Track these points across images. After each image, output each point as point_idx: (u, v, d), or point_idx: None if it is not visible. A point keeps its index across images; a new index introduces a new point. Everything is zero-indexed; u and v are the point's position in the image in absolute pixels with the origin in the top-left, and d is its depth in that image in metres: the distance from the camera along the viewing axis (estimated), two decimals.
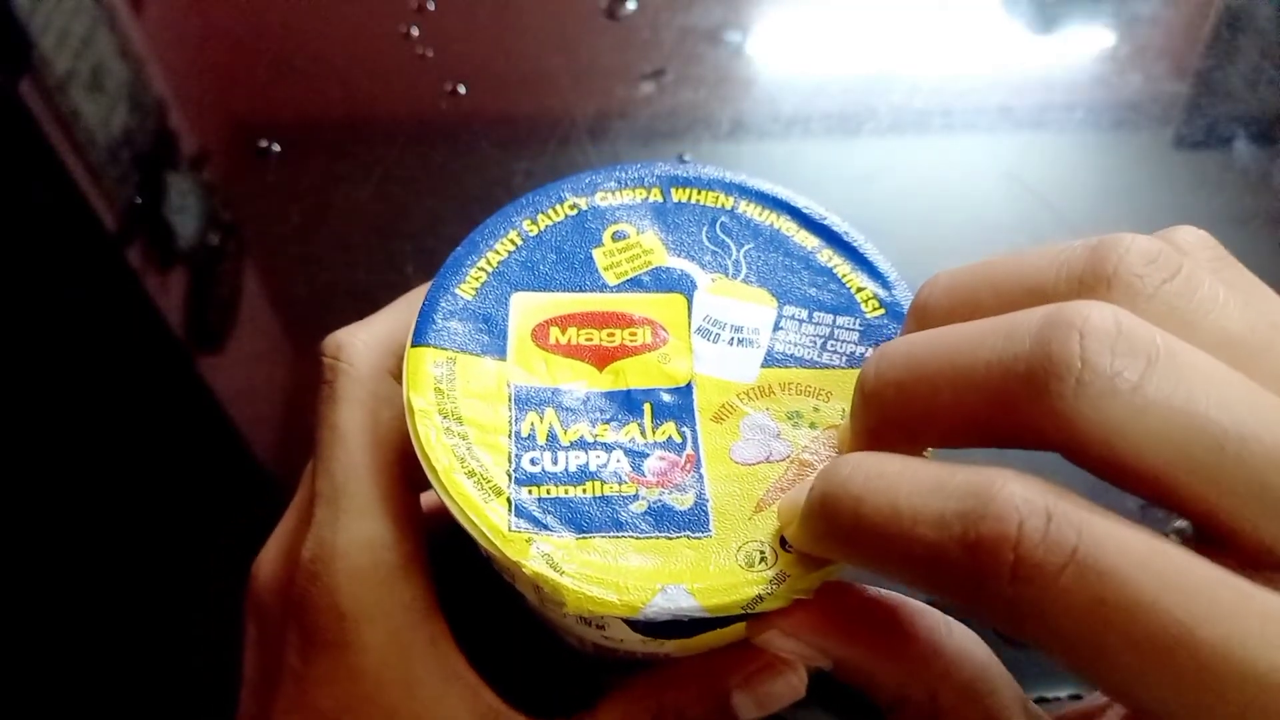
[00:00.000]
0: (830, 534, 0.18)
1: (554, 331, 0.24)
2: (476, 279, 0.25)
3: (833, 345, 0.24)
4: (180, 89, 0.51)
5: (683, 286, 0.25)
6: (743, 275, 0.26)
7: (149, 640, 0.33)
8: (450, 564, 0.24)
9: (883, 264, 0.26)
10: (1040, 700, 0.30)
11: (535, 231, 0.26)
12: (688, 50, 0.51)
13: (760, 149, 0.47)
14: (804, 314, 0.25)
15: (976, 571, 0.15)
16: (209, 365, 0.40)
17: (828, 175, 0.46)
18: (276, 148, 0.46)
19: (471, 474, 0.23)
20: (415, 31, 0.51)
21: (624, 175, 0.27)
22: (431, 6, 0.52)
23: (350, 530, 0.23)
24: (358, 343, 0.25)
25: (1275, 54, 0.51)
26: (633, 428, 0.23)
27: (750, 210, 0.27)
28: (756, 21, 0.53)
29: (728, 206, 0.27)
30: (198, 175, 0.47)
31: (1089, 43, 0.53)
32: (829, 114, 0.48)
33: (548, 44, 0.51)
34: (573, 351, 0.24)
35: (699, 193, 0.27)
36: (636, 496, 0.22)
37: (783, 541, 0.21)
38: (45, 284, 0.42)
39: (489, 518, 0.21)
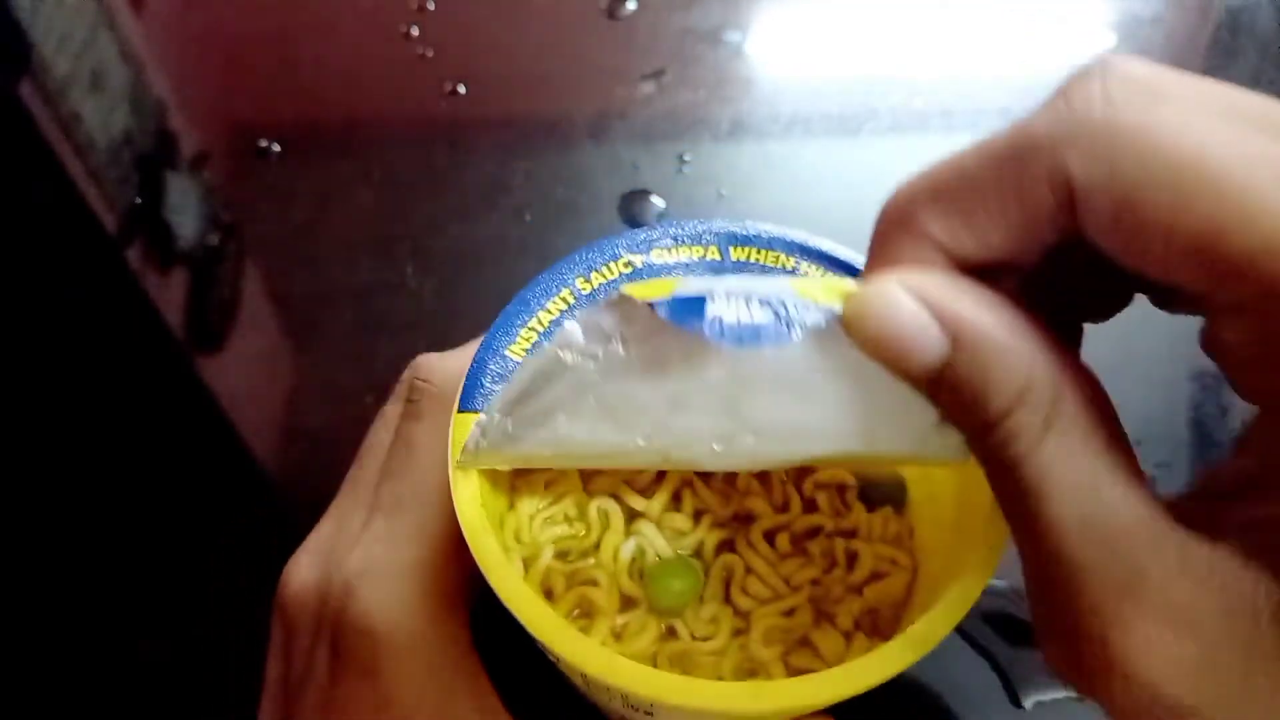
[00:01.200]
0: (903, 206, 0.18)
1: None
2: (527, 339, 0.24)
3: None
4: (180, 90, 0.51)
5: None
6: None
7: (149, 640, 0.33)
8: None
9: None
10: (1039, 703, 0.31)
11: (588, 290, 0.25)
12: (688, 50, 0.51)
13: (760, 149, 0.47)
14: None
15: (1070, 108, 0.16)
16: (209, 366, 0.40)
17: (827, 176, 0.46)
18: (276, 148, 0.46)
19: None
20: (415, 31, 0.51)
21: (680, 232, 0.26)
22: (431, 6, 0.52)
23: (405, 550, 0.22)
24: (448, 367, 0.25)
25: (1275, 57, 0.51)
26: None
27: (813, 272, 0.26)
28: (756, 22, 0.53)
29: (789, 267, 0.26)
30: (198, 176, 0.47)
31: (1090, 44, 0.53)
32: (829, 114, 0.48)
33: (548, 44, 0.51)
34: None
35: (759, 252, 0.26)
36: None
37: None
38: (45, 284, 0.42)
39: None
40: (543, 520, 0.25)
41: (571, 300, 0.25)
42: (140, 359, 0.40)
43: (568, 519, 0.25)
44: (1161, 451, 0.36)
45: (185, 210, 0.45)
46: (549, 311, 0.25)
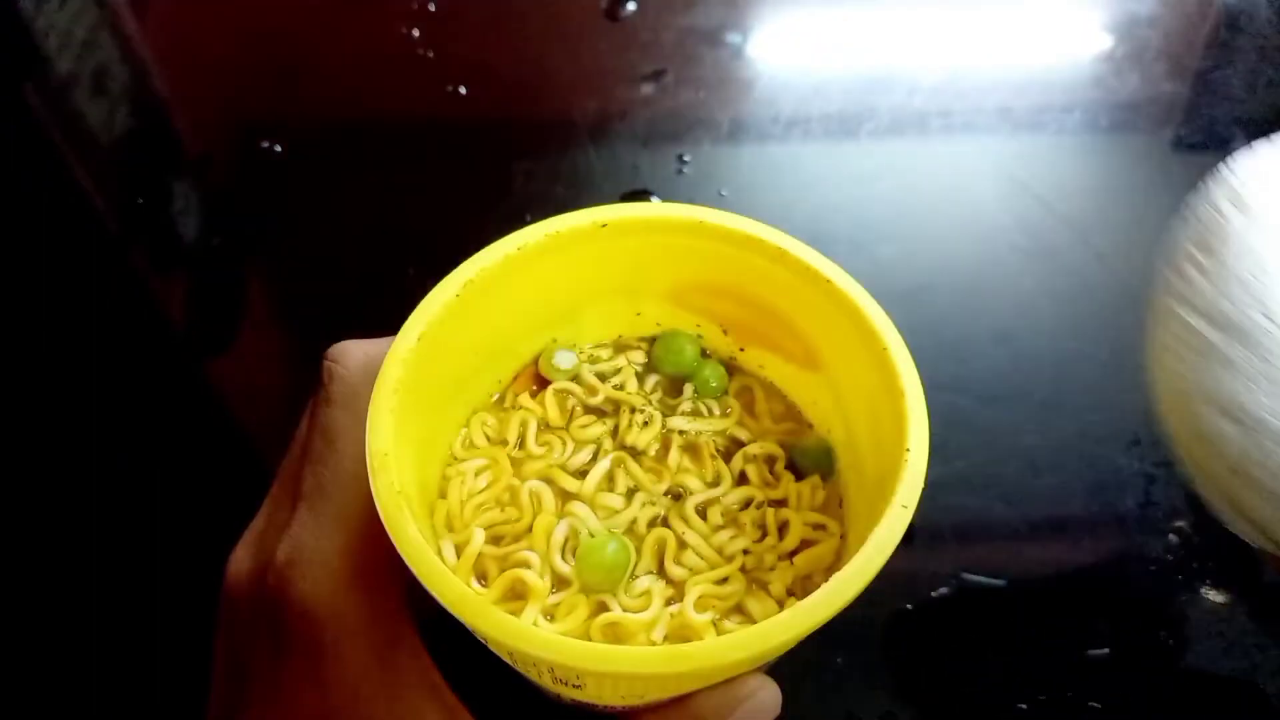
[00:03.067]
0: None
1: None
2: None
3: None
4: (183, 91, 0.51)
5: None
6: None
7: (153, 641, 0.33)
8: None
9: None
10: (1038, 700, 0.31)
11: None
12: (688, 51, 0.51)
13: (760, 150, 0.47)
14: None
15: None
16: (212, 365, 0.41)
17: (827, 176, 0.46)
18: (278, 149, 0.47)
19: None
20: (417, 33, 0.51)
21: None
22: (433, 8, 0.52)
23: (332, 537, 0.22)
24: (360, 353, 0.25)
25: (1273, 55, 0.51)
26: None
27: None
28: (756, 23, 0.53)
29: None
30: (200, 177, 0.47)
31: (1087, 44, 0.53)
32: (828, 115, 0.48)
33: (548, 45, 0.52)
34: None
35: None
36: None
37: None
38: (49, 286, 0.42)
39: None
40: (474, 506, 0.25)
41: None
42: (144, 359, 0.40)
43: (500, 504, 0.25)
44: (1161, 451, 0.36)
45: (188, 211, 0.45)
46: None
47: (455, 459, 0.26)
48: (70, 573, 0.35)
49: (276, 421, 0.39)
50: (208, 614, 0.33)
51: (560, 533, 0.24)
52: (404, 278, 0.42)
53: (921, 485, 0.21)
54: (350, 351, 0.25)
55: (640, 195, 0.44)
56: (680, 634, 0.23)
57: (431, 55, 0.50)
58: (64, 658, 0.33)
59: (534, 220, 0.43)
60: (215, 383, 0.40)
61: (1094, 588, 0.33)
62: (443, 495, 0.26)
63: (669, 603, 0.24)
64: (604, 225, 0.26)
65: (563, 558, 0.24)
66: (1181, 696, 0.31)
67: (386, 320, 0.40)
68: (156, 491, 0.36)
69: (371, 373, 0.24)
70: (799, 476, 0.26)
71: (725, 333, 0.29)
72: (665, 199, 0.44)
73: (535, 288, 0.26)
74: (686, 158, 0.46)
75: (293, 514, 0.23)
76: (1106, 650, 0.32)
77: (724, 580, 0.24)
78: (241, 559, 0.25)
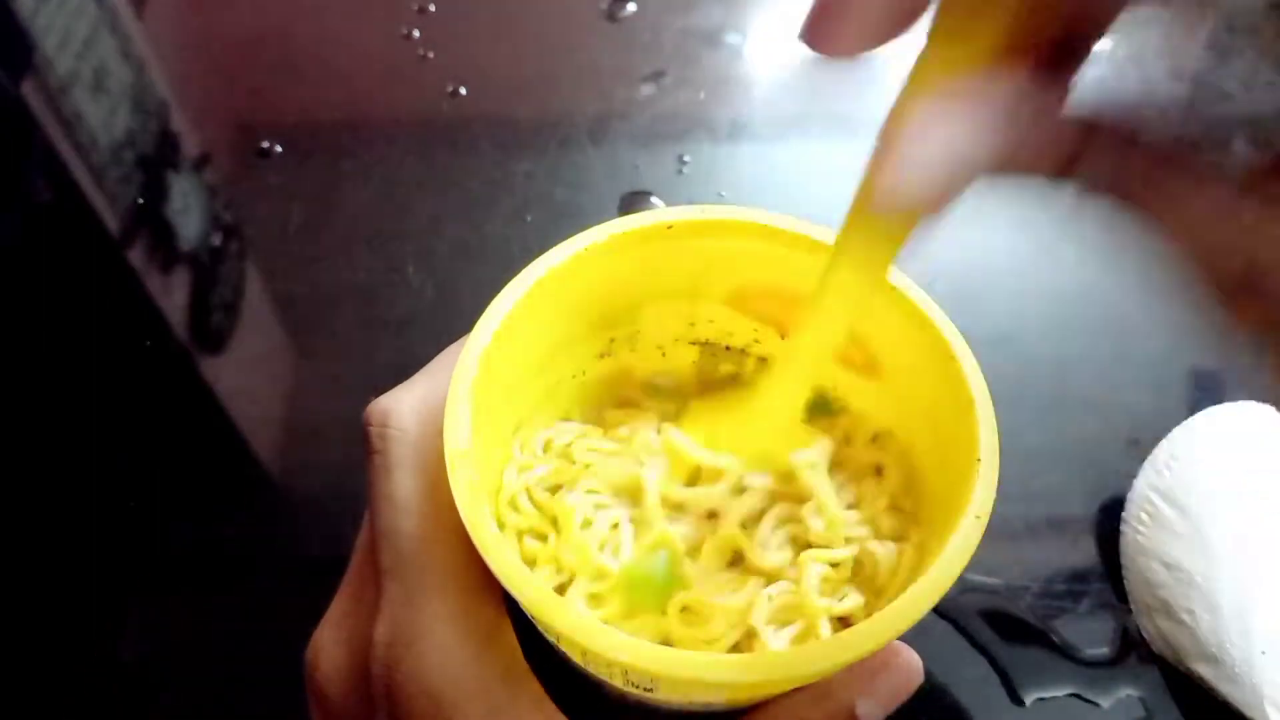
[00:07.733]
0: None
1: None
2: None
3: None
4: (182, 90, 0.51)
5: None
6: None
7: (153, 642, 0.33)
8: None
9: None
10: (1039, 700, 0.31)
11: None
12: (687, 52, 0.51)
13: (759, 150, 0.47)
14: None
15: None
16: (211, 366, 0.41)
17: (826, 177, 0.46)
18: (278, 148, 0.47)
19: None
20: (416, 33, 0.51)
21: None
22: (433, 8, 0.52)
23: (428, 606, 0.21)
24: (404, 407, 0.23)
25: (1272, 56, 0.51)
26: None
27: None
28: (756, 23, 0.53)
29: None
30: (200, 176, 0.47)
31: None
32: (827, 115, 0.48)
33: (548, 46, 0.52)
34: None
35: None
36: None
37: None
38: (47, 285, 0.42)
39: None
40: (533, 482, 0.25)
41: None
42: (143, 359, 0.40)
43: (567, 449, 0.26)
44: None
45: (187, 210, 0.45)
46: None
47: (513, 460, 0.26)
48: (70, 572, 0.35)
49: (275, 420, 0.39)
50: (207, 613, 0.33)
51: (603, 523, 0.24)
52: (404, 277, 0.42)
53: (994, 495, 0.21)
54: (394, 409, 0.24)
55: (640, 196, 0.44)
56: (784, 617, 0.23)
57: (431, 55, 0.50)
58: (64, 657, 0.33)
59: (534, 220, 0.44)
60: (214, 380, 0.40)
61: (1093, 587, 0.33)
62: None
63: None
64: (669, 226, 0.25)
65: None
66: (1182, 696, 0.31)
67: (387, 319, 0.41)
68: (156, 492, 0.36)
69: (429, 422, 0.23)
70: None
71: (783, 337, 0.28)
72: (665, 199, 0.44)
73: (597, 289, 0.26)
74: (686, 158, 0.46)
75: (380, 592, 0.22)
76: (1106, 650, 0.32)
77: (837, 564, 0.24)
78: (333, 646, 0.23)
